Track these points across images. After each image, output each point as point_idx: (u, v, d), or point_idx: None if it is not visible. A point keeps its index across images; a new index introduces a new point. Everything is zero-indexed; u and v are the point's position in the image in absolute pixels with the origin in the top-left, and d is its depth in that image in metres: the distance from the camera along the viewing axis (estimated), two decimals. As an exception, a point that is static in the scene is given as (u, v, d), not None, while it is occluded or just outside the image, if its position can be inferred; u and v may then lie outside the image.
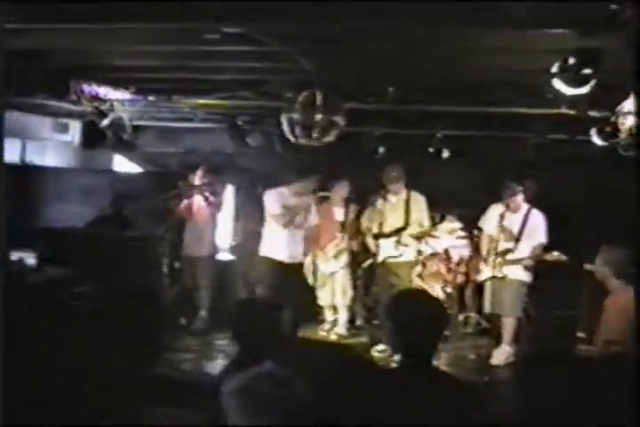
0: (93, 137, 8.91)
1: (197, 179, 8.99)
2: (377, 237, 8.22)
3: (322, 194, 8.91)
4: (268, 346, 3.57)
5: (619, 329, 5.00)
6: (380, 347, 7.85)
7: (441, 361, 7.89)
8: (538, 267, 7.86)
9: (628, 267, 5.25)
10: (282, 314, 8.27)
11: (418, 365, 3.17)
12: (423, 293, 3.98)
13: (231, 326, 3.92)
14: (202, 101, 8.26)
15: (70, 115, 9.34)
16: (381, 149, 9.86)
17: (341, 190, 8.91)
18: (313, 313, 9.01)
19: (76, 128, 9.97)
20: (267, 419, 2.40)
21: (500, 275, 7.89)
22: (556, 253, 7.56)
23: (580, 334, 7.75)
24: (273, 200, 7.94)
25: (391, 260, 8.13)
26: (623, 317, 5.02)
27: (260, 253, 8.04)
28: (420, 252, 8.54)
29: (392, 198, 8.20)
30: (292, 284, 8.24)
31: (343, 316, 9.03)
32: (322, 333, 8.84)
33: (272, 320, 4.01)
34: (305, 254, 8.31)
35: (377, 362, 7.24)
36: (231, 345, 4.06)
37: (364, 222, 8.42)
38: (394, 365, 7.27)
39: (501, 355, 7.76)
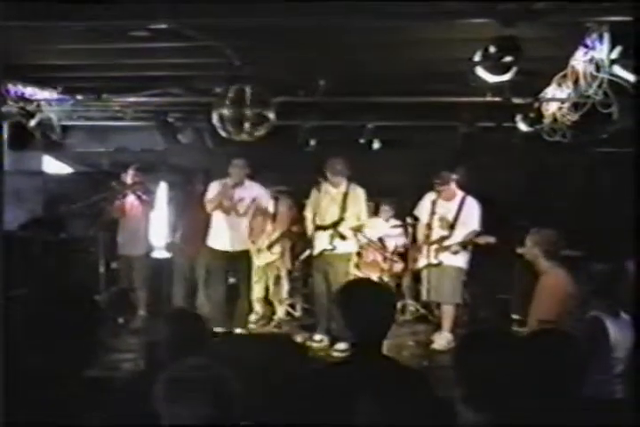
0: (21, 138, 8.78)
1: (129, 178, 8.88)
2: (314, 229, 8.18)
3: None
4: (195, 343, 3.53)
5: (551, 309, 5.09)
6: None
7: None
8: (472, 253, 8.00)
9: (557, 248, 5.33)
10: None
11: (368, 354, 3.12)
12: (373, 282, 3.98)
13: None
14: (132, 99, 8.21)
15: (-4, 116, 9.16)
16: (312, 142, 9.91)
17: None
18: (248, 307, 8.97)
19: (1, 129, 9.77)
20: (192, 405, 2.42)
21: (435, 262, 8.00)
22: (485, 237, 7.71)
23: (515, 316, 7.96)
24: (213, 188, 8.25)
25: (327, 252, 8.11)
26: (555, 297, 5.14)
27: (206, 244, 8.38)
28: (357, 242, 8.57)
29: (332, 191, 8.13)
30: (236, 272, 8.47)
31: (281, 309, 9.06)
32: (252, 326, 8.76)
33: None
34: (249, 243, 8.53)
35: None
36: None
37: (307, 214, 8.33)
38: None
39: (442, 340, 7.84)
